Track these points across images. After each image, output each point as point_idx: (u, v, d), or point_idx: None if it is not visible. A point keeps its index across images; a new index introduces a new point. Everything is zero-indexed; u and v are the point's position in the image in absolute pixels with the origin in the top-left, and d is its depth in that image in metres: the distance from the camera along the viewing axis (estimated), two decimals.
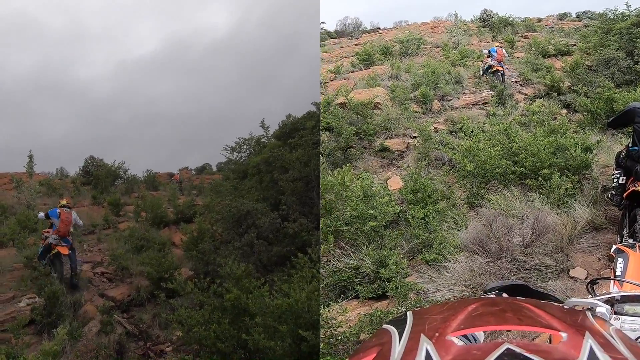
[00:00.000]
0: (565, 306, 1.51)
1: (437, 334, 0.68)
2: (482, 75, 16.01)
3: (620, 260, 2.27)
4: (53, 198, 15.38)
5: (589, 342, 0.63)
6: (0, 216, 12.72)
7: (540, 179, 7.48)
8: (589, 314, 0.81)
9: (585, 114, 10.92)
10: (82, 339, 7.27)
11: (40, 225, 10.23)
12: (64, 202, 9.90)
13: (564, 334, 0.66)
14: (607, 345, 0.63)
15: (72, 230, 9.47)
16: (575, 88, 13.17)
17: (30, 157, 14.76)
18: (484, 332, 1.14)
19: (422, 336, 0.68)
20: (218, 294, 5.94)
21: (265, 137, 11.65)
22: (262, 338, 5.03)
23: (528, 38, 22.01)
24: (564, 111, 12.70)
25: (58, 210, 9.32)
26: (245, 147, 11.95)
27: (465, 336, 1.09)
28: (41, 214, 9.76)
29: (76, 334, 7.26)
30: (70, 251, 9.15)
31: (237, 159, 12.08)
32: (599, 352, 0.61)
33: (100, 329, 7.57)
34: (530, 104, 13.04)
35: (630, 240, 5.15)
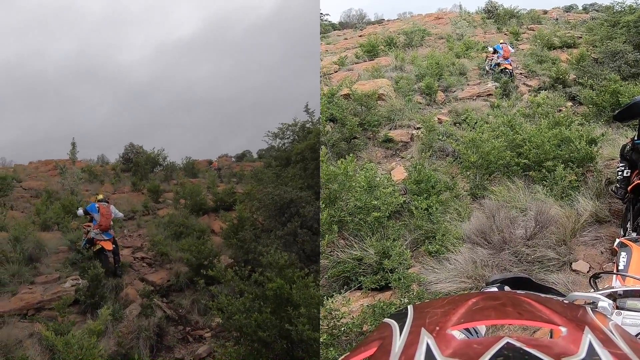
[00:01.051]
0: (566, 300, 1.52)
1: (437, 328, 0.69)
2: (488, 71, 15.85)
3: (623, 254, 2.25)
4: (94, 184, 15.98)
5: (588, 337, 0.64)
6: (46, 201, 13.08)
7: (544, 170, 7.46)
8: (588, 309, 0.81)
9: (591, 106, 10.86)
10: (123, 320, 7.49)
11: (82, 219, 10.27)
12: (100, 196, 9.79)
13: (563, 329, 0.67)
14: (606, 341, 0.64)
15: (112, 223, 9.44)
16: (580, 80, 13.10)
17: (73, 144, 15.02)
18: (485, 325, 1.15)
19: (423, 330, 0.69)
20: (259, 283, 5.88)
21: (310, 123, 11.00)
22: (307, 329, 4.95)
23: (533, 30, 21.88)
24: (569, 103, 12.63)
25: (97, 205, 9.25)
26: (288, 133, 11.39)
27: (467, 329, 1.10)
28: (80, 211, 9.67)
29: (118, 316, 7.51)
30: (114, 245, 9.20)
31: (280, 145, 11.53)
32: (598, 347, 0.62)
33: (141, 312, 7.74)
34: (535, 95, 12.96)
35: (634, 234, 5.13)
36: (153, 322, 7.42)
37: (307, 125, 10.97)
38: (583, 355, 0.60)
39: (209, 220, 12.26)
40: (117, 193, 15.51)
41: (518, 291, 1.41)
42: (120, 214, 10.00)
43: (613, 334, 0.67)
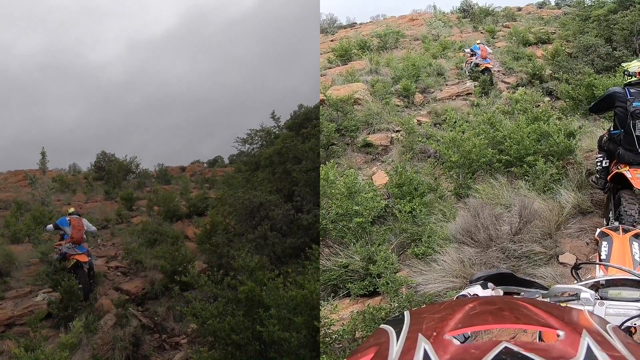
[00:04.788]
0: (550, 293, 1.48)
1: (434, 333, 0.68)
2: (468, 74, 15.85)
3: (604, 243, 2.25)
4: (66, 194, 15.85)
5: (586, 340, 0.64)
6: (16, 213, 12.96)
7: (525, 166, 7.51)
8: (586, 311, 0.82)
9: (567, 100, 11.01)
10: (98, 332, 7.37)
11: (54, 240, 9.93)
12: (71, 209, 9.53)
13: (561, 332, 0.67)
14: (604, 343, 0.63)
15: (85, 237, 9.13)
16: (556, 75, 13.27)
17: (43, 154, 14.85)
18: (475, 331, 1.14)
19: (420, 335, 0.68)
20: (232, 287, 5.91)
21: (277, 128, 11.37)
22: (277, 330, 5.01)
23: (509, 27, 22.17)
24: (547, 98, 12.82)
25: (68, 219, 8.98)
26: (257, 138, 11.69)
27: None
28: (49, 226, 9.40)
29: (92, 327, 7.38)
30: (89, 258, 8.93)
31: (249, 150, 11.84)
32: (596, 349, 0.61)
33: (116, 322, 7.65)
34: (513, 92, 13.14)
35: (616, 223, 5.16)
36: (129, 331, 7.30)
37: (274, 131, 11.29)
38: (581, 358, 0.60)
39: (183, 227, 12.30)
40: (89, 202, 15.47)
41: (515, 295, 1.40)
42: (93, 228, 9.74)
43: (610, 337, 0.67)
